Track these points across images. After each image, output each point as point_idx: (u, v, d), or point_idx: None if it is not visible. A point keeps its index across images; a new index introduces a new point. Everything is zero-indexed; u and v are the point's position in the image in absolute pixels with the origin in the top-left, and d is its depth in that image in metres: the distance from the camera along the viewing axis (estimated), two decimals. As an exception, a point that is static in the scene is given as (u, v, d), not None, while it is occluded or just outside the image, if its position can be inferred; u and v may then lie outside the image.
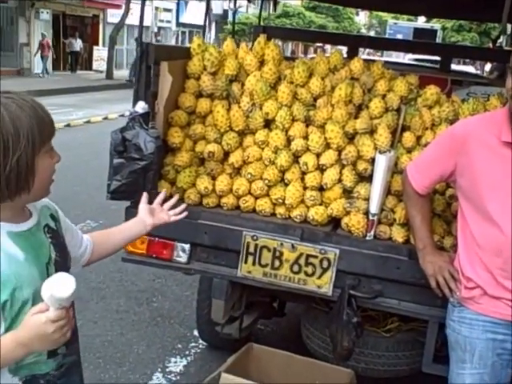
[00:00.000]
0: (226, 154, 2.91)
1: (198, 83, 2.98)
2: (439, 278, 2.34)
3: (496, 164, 2.15)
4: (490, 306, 2.20)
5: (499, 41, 7.71)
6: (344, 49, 4.59)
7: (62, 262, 1.64)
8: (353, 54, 3.30)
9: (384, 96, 2.85)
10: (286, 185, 2.81)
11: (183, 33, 33.58)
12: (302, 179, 2.80)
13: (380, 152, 2.65)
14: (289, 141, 2.82)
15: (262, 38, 3.08)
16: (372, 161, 2.69)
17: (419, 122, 2.75)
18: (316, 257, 2.64)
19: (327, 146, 2.77)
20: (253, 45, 3.11)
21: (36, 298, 1.47)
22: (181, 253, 2.80)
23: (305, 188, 2.79)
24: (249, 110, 2.88)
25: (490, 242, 2.18)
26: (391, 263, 2.60)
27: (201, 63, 3.00)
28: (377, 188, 2.61)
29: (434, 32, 20.78)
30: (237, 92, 2.95)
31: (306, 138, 2.81)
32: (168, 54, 2.99)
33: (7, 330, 1.48)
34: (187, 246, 2.80)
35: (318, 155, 2.78)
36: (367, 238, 2.68)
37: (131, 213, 2.79)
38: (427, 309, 2.60)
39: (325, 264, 2.63)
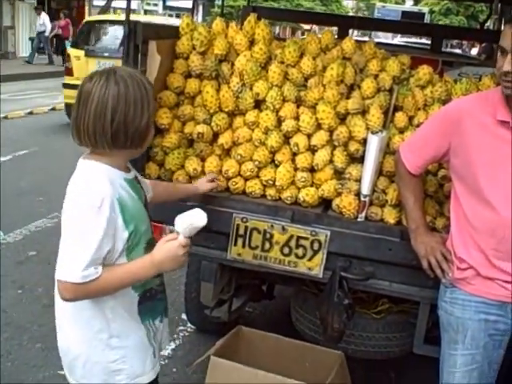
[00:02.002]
0: (216, 135, 2.86)
1: (186, 63, 2.94)
2: (431, 259, 2.33)
3: (491, 143, 2.13)
4: (483, 287, 2.20)
5: (487, 24, 7.72)
6: (334, 30, 4.59)
7: (147, 205, 2.04)
8: (343, 35, 3.26)
9: (376, 76, 2.81)
10: (277, 166, 2.77)
11: (170, 16, 33.28)
12: (293, 160, 2.77)
13: (372, 132, 2.62)
14: (279, 121, 2.78)
15: (252, 17, 3.03)
16: (364, 141, 2.66)
17: (412, 102, 2.72)
18: (307, 239, 2.61)
19: (318, 126, 2.74)
20: (242, 25, 3.06)
21: (148, 232, 1.97)
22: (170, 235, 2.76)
23: (295, 169, 2.76)
24: (239, 91, 2.84)
25: (484, 223, 2.17)
26: (383, 245, 2.58)
27: (190, 43, 2.95)
28: (369, 169, 2.59)
29: (421, 15, 20.73)
30: (226, 72, 2.91)
31: (296, 118, 2.77)
32: (156, 33, 2.93)
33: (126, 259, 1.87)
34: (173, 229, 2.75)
35: (309, 136, 2.75)
36: (359, 220, 2.66)
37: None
38: (419, 290, 2.59)
39: (316, 246, 2.61)
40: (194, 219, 1.85)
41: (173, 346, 3.77)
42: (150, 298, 2.00)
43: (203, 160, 2.83)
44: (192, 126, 2.84)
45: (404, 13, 20.07)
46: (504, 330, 2.21)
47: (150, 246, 1.93)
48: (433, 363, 2.42)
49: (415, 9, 24.10)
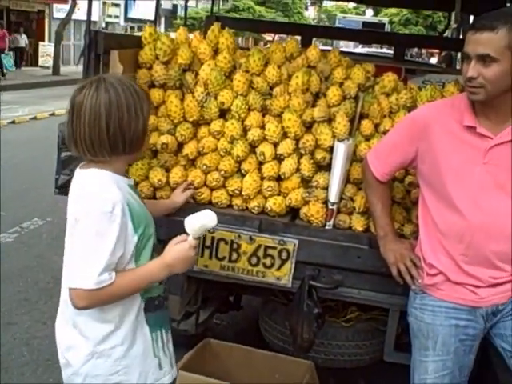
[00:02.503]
0: (180, 146, 2.82)
1: (149, 73, 2.89)
2: (401, 266, 2.32)
3: (458, 149, 2.14)
4: (453, 292, 2.20)
5: (445, 34, 7.87)
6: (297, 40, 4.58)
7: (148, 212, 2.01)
8: (307, 44, 3.26)
9: (341, 84, 2.81)
10: (243, 175, 2.74)
11: (132, 28, 33.07)
12: (259, 169, 2.75)
13: (338, 140, 2.61)
14: (245, 130, 2.76)
15: (215, 26, 3.01)
16: (330, 149, 2.65)
17: (377, 109, 2.73)
18: (275, 248, 2.58)
19: (284, 135, 2.72)
20: (206, 34, 3.03)
21: (154, 237, 1.95)
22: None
23: (262, 178, 2.73)
24: (203, 100, 2.81)
25: (452, 228, 2.17)
26: (351, 252, 2.56)
27: (153, 52, 2.91)
28: (336, 177, 2.58)
29: (382, 25, 21.04)
30: (190, 81, 2.88)
31: (262, 127, 2.75)
32: (118, 42, 2.89)
33: (135, 263, 1.88)
34: None
35: (276, 145, 2.73)
36: (327, 228, 2.64)
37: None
38: (388, 297, 2.58)
39: (284, 255, 2.58)
40: (204, 220, 1.89)
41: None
42: (159, 307, 2.00)
43: (168, 171, 2.78)
44: (156, 137, 2.79)
45: (365, 23, 20.33)
46: (474, 334, 2.21)
47: (156, 249, 1.96)
48: (403, 370, 2.41)
49: (375, 19, 24.46)
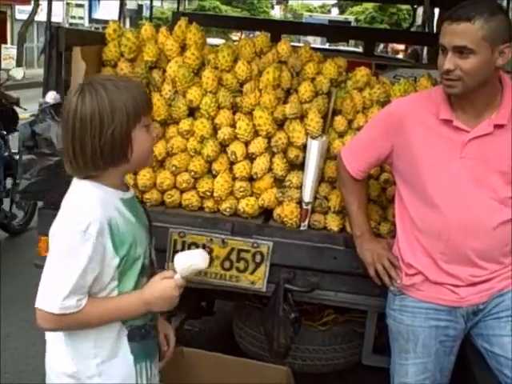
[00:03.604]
0: (148, 146, 2.71)
1: (114, 71, 2.79)
2: (378, 266, 2.26)
3: (435, 143, 2.09)
4: (432, 293, 2.14)
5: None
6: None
7: (150, 229, 1.89)
8: (276, 40, 3.18)
9: (313, 79, 2.73)
10: (214, 176, 2.65)
11: (96, 29, 32.67)
12: (231, 169, 2.65)
13: (312, 137, 2.54)
14: (215, 129, 2.66)
15: (182, 22, 2.90)
16: (303, 147, 2.57)
17: (350, 105, 2.66)
18: (248, 251, 2.50)
19: (256, 133, 2.64)
20: (173, 30, 2.93)
21: (144, 258, 1.76)
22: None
23: (234, 179, 2.64)
24: (171, 99, 2.71)
25: (430, 226, 2.12)
26: (327, 253, 2.49)
27: (117, 49, 2.80)
28: (310, 175, 2.50)
29: (348, 23, 21.10)
30: (158, 79, 2.77)
31: (233, 125, 2.66)
32: (81, 39, 2.78)
33: (117, 286, 1.71)
34: None
35: (247, 143, 2.64)
36: (301, 229, 2.57)
37: (44, 214, 2.57)
38: (366, 299, 2.51)
39: (258, 258, 2.50)
40: (194, 260, 1.76)
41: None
42: (145, 336, 1.82)
43: (135, 173, 2.67)
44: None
45: (331, 22, 20.38)
46: (454, 335, 2.16)
47: (145, 271, 1.77)
48: (382, 372, 2.35)
49: (341, 18, 24.59)
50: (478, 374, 2.47)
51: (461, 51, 1.94)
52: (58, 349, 1.77)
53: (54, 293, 1.62)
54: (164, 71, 2.81)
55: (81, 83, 1.71)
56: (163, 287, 1.73)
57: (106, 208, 1.67)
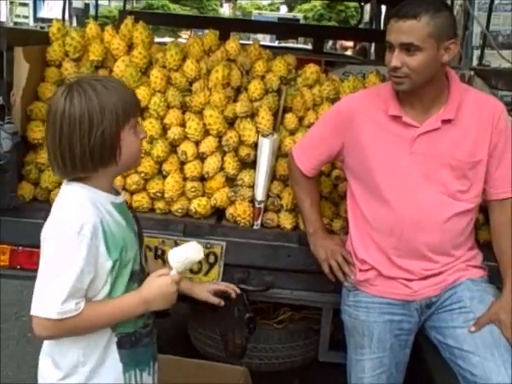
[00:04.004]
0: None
1: (59, 71, 2.72)
2: (332, 263, 2.27)
3: (385, 139, 2.10)
4: (386, 287, 2.16)
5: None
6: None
7: (140, 234, 1.86)
8: (225, 38, 3.16)
9: (263, 77, 2.71)
10: (165, 177, 2.60)
11: (42, 28, 31.92)
12: (182, 170, 2.61)
13: (263, 135, 2.52)
14: (164, 129, 2.61)
15: (129, 20, 2.85)
16: (255, 145, 2.55)
17: (300, 102, 2.65)
18: (201, 252, 2.46)
19: (206, 132, 2.60)
20: (119, 29, 2.87)
21: (135, 262, 1.73)
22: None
23: (185, 179, 2.60)
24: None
25: (382, 221, 2.13)
26: (281, 252, 2.48)
27: (62, 49, 2.72)
28: (262, 174, 2.48)
29: (296, 21, 21.18)
30: (104, 79, 2.71)
31: (183, 125, 2.62)
32: (23, 38, 2.68)
33: (109, 291, 1.68)
34: None
35: (197, 143, 2.60)
36: (254, 228, 2.54)
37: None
38: (321, 295, 2.51)
39: (211, 259, 2.47)
40: (190, 253, 1.74)
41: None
42: (136, 344, 1.77)
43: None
44: (69, 139, 2.61)
45: (280, 19, 20.43)
46: (409, 329, 2.18)
47: (135, 276, 1.74)
48: (339, 368, 2.35)
49: (290, 15, 24.66)
50: (433, 365, 2.50)
51: (407, 48, 1.95)
52: (47, 356, 1.75)
53: (51, 298, 1.58)
54: (111, 71, 2.74)
55: (68, 83, 1.70)
56: (160, 284, 1.70)
57: (97, 209, 1.65)
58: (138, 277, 1.75)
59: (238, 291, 2.17)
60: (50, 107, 1.66)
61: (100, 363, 1.71)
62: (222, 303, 2.14)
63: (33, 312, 1.60)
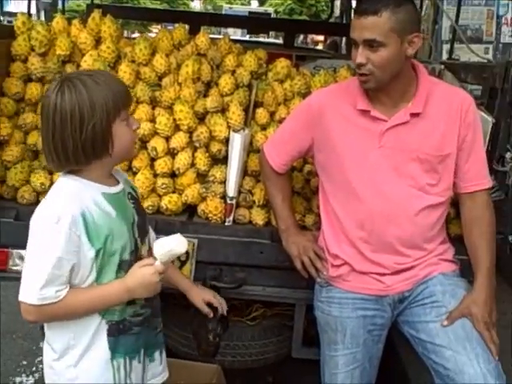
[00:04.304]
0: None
1: (25, 66, 2.65)
2: (304, 259, 2.25)
3: (354, 134, 2.10)
4: (359, 283, 2.15)
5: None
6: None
7: (143, 226, 1.90)
8: (196, 33, 3.12)
9: (233, 72, 2.68)
10: (135, 173, 2.55)
11: (9, 22, 31.41)
12: (152, 166, 2.57)
13: (234, 131, 2.49)
14: (134, 125, 2.57)
15: (96, 14, 2.80)
16: (226, 141, 2.52)
17: (272, 97, 2.63)
18: (173, 249, 2.42)
19: (177, 127, 2.56)
20: (86, 23, 2.81)
21: (124, 252, 1.76)
22: (17, 260, 2.44)
23: (155, 175, 2.56)
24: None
25: (353, 216, 2.13)
26: (254, 248, 2.46)
27: (27, 43, 2.67)
28: (233, 169, 2.45)
29: (268, 15, 21.15)
30: (71, 74, 2.65)
31: (152, 120, 2.58)
32: (-15, 33, 2.62)
33: (96, 279, 1.73)
34: (25, 252, 2.46)
35: (168, 138, 2.57)
36: (226, 224, 2.51)
37: None
38: (293, 292, 2.49)
39: (183, 256, 2.42)
40: (173, 245, 1.75)
41: (32, 380, 3.41)
42: (124, 332, 1.82)
43: (51, 173, 2.54)
44: (36, 136, 2.54)
45: (251, 13, 20.39)
46: (382, 324, 2.18)
47: (125, 266, 1.78)
48: (313, 364, 2.35)
49: (261, 9, 24.62)
50: (406, 359, 2.51)
51: (370, 44, 1.95)
52: (45, 339, 1.84)
53: (31, 284, 1.66)
54: (78, 66, 2.69)
55: (59, 79, 1.73)
56: (143, 274, 1.73)
57: (81, 201, 1.70)
58: (130, 267, 1.78)
59: (225, 310, 2.23)
60: (43, 102, 1.72)
61: (89, 348, 1.77)
62: (211, 315, 2.20)
63: (19, 297, 1.68)
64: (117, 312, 1.79)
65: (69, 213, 1.65)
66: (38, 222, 1.68)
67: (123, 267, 1.77)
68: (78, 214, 1.67)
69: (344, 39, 7.14)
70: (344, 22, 6.28)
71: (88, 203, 1.71)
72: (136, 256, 1.82)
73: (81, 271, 1.71)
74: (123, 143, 1.75)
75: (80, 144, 1.65)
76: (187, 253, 2.42)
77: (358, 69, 2.00)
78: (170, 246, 1.75)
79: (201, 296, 2.18)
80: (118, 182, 1.86)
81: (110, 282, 1.75)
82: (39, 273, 1.64)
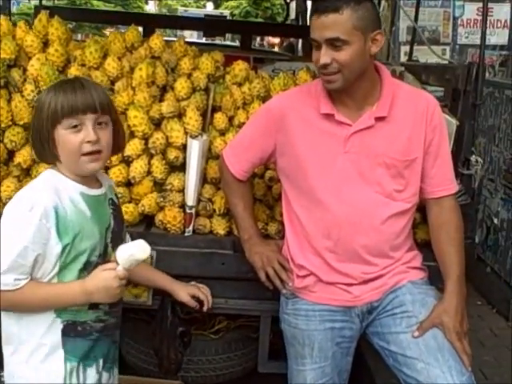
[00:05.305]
0: (11, 154, 2.46)
1: (-33, 71, 2.50)
2: (269, 270, 2.16)
3: (317, 139, 2.02)
4: (326, 294, 2.08)
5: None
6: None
7: (118, 233, 1.91)
8: (150, 35, 3.02)
9: (189, 75, 2.58)
10: (88, 183, 2.43)
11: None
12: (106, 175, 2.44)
13: (191, 137, 2.39)
14: (86, 132, 2.44)
15: (43, 15, 2.66)
16: (183, 147, 2.42)
17: (230, 101, 2.52)
18: (130, 262, 2.31)
19: (131, 134, 2.44)
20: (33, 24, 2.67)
21: (91, 253, 1.76)
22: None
23: (110, 184, 2.44)
24: (34, 100, 2.45)
25: (318, 224, 2.05)
26: (215, 259, 2.36)
27: (-31, 47, 2.51)
28: (192, 177, 2.35)
29: (223, 18, 21.09)
30: (18, 79, 2.51)
31: (105, 127, 2.45)
32: None
33: (58, 275, 1.73)
34: None
35: (122, 146, 2.44)
36: (186, 234, 2.41)
37: None
38: (258, 304, 2.40)
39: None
40: (134, 250, 1.73)
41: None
42: (82, 335, 1.79)
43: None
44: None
45: (207, 16, 20.30)
46: (350, 336, 2.10)
47: (87, 268, 1.77)
48: (280, 377, 2.27)
49: (217, 12, 24.56)
50: (376, 372, 2.44)
51: (333, 44, 1.88)
52: (2, 331, 1.82)
53: None
54: (25, 70, 2.55)
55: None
56: (104, 277, 1.72)
57: (57, 195, 1.72)
58: (94, 269, 1.77)
59: (210, 303, 2.25)
60: None
61: (41, 345, 1.75)
62: (198, 307, 2.23)
63: None
64: (76, 313, 1.77)
65: (42, 204, 1.68)
66: (12, 207, 1.72)
67: (87, 268, 1.76)
68: (50, 207, 1.69)
69: (300, 41, 7.12)
70: (300, 23, 6.24)
71: (64, 198, 1.73)
72: (104, 260, 1.81)
73: (44, 264, 1.71)
74: (65, 152, 1.75)
75: (36, 143, 1.77)
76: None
77: (324, 69, 1.92)
78: (131, 251, 1.72)
79: (186, 291, 2.19)
80: (101, 186, 1.88)
81: (70, 281, 1.74)
82: (3, 259, 1.65)
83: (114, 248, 1.81)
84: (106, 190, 1.89)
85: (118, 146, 1.89)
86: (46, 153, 1.76)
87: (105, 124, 1.78)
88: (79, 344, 1.78)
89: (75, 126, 1.72)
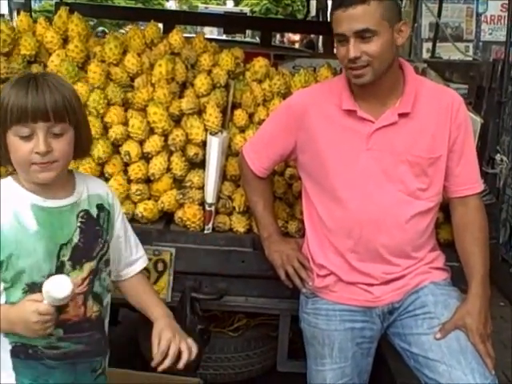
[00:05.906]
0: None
1: (-12, 67, 2.51)
2: (288, 268, 2.14)
3: (339, 136, 1.99)
4: (346, 293, 2.05)
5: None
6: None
7: (85, 250, 1.67)
8: (170, 32, 3.02)
9: (209, 71, 2.56)
10: (107, 179, 2.41)
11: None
12: (125, 171, 2.44)
13: (211, 133, 2.37)
14: (106, 128, 2.44)
15: (63, 12, 2.67)
16: (203, 144, 2.40)
17: (250, 97, 2.50)
18: (149, 259, 2.29)
19: (151, 131, 2.43)
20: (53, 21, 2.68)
21: (33, 273, 1.59)
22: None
23: (129, 181, 2.43)
24: None
25: (339, 223, 2.02)
26: (235, 257, 2.34)
27: (-10, 43, 2.52)
28: (211, 174, 2.33)
29: (243, 15, 21.07)
30: (38, 75, 2.52)
31: (125, 123, 2.45)
32: None
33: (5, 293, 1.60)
34: None
35: (142, 142, 2.43)
36: (205, 232, 2.39)
37: None
38: (277, 302, 2.38)
39: (160, 267, 2.32)
40: (50, 287, 1.50)
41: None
42: (33, 357, 1.64)
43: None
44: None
45: (227, 13, 20.29)
46: (371, 336, 2.07)
47: (34, 289, 1.58)
48: (300, 376, 2.23)
49: (237, 9, 24.53)
50: (397, 373, 2.41)
51: (362, 36, 1.85)
52: None
53: None
54: (45, 66, 2.56)
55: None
56: (23, 309, 1.53)
57: (4, 207, 1.58)
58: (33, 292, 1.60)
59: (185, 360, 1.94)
60: None
61: None
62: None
63: None
64: (17, 336, 1.61)
65: None
66: None
67: (34, 289, 1.58)
68: None
69: (321, 38, 7.06)
70: (320, 20, 6.19)
71: (7, 212, 1.58)
72: (42, 279, 1.60)
73: None
74: (15, 160, 1.57)
75: None
76: (164, 263, 2.31)
77: (353, 63, 1.89)
78: (47, 287, 1.51)
79: (158, 332, 1.93)
80: (69, 196, 1.67)
81: (13, 302, 1.59)
82: None
83: (76, 267, 1.65)
84: (78, 201, 1.68)
85: (82, 150, 1.69)
86: (3, 157, 1.60)
87: (60, 133, 1.56)
88: (33, 368, 1.65)
89: (26, 135, 1.54)
